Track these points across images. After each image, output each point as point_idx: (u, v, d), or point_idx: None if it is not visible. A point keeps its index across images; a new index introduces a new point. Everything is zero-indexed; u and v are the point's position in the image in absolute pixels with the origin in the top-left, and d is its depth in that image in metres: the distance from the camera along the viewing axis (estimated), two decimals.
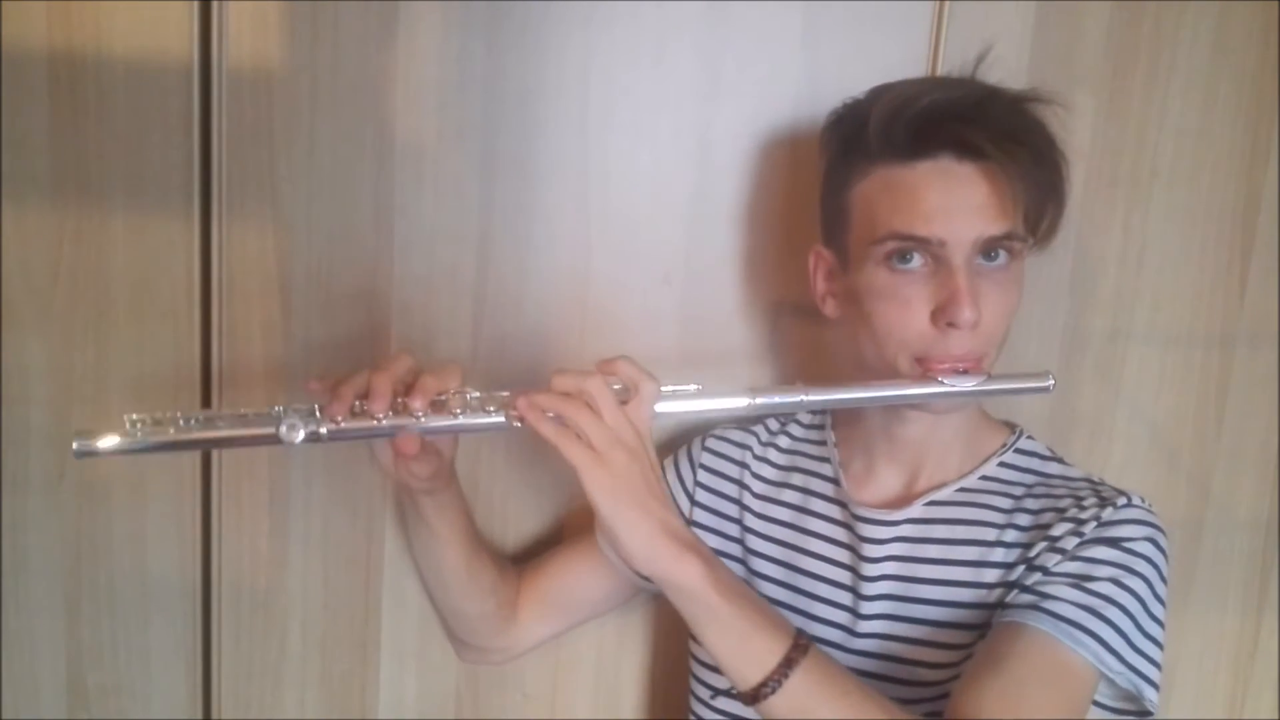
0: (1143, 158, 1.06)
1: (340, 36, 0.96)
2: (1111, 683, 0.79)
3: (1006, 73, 0.99)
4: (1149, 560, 0.80)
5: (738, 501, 0.98)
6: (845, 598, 0.89)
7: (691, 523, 0.99)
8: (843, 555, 0.90)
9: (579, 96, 1.00)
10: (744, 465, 0.99)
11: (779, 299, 1.06)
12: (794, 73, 1.01)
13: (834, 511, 0.93)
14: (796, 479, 0.96)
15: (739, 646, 0.74)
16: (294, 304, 1.01)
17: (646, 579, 0.77)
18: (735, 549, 0.97)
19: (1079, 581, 0.78)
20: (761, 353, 1.07)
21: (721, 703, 0.94)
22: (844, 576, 0.90)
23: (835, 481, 0.94)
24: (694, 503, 1.00)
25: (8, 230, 0.97)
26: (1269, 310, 1.10)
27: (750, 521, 0.96)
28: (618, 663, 1.12)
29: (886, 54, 1.01)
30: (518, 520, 1.09)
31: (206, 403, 1.02)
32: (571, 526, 1.09)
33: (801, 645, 0.74)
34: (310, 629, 1.08)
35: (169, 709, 1.08)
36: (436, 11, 0.97)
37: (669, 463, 1.03)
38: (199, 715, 1.08)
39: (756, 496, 0.97)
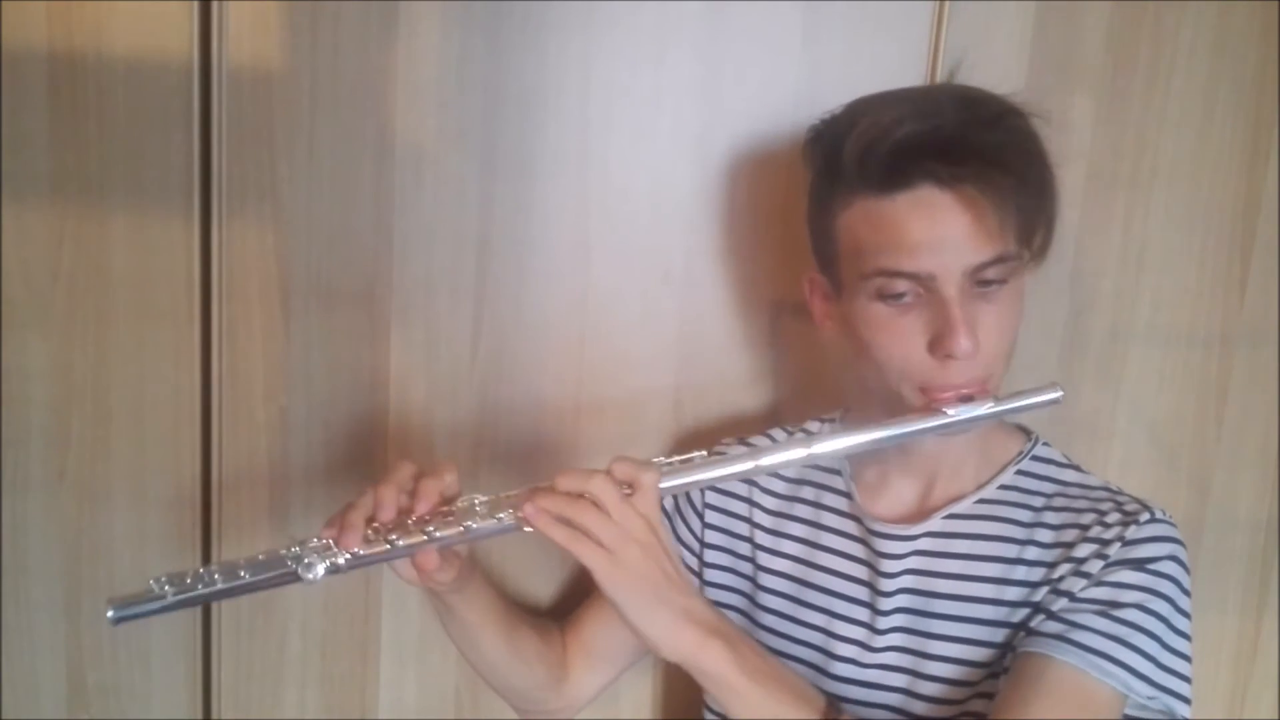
0: (1143, 158, 1.06)
1: (340, 36, 0.96)
2: (1139, 702, 0.78)
3: (1006, 73, 1.00)
4: (1172, 579, 0.79)
5: (748, 519, 0.96)
6: (862, 613, 0.88)
7: (703, 544, 0.98)
8: (859, 571, 0.89)
9: (579, 96, 1.00)
10: (753, 484, 0.97)
11: (779, 298, 1.06)
12: (794, 73, 1.01)
13: (848, 526, 0.91)
14: (807, 493, 0.95)
15: None
16: (294, 304, 1.01)
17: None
18: (746, 567, 0.96)
19: (1106, 609, 0.78)
20: (762, 352, 1.07)
21: None
22: (860, 592, 0.89)
23: (848, 495, 0.92)
24: (705, 524, 0.98)
25: (8, 230, 0.97)
26: (1269, 310, 1.10)
27: (761, 539, 0.95)
28: None
29: (886, 54, 1.01)
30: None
31: (206, 403, 1.02)
32: None
33: (832, 719, 0.75)
34: (310, 629, 1.08)
35: (169, 709, 1.08)
36: (436, 11, 0.97)
37: None
38: (199, 715, 1.08)
39: (767, 513, 0.96)
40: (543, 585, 1.10)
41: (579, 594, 1.07)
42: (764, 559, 0.95)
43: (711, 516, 0.98)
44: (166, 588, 0.76)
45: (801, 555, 0.93)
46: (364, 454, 1.04)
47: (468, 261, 1.02)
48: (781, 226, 1.04)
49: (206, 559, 1.05)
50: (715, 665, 0.75)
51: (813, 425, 0.99)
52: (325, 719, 1.10)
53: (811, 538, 0.93)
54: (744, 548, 0.96)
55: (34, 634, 1.05)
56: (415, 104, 0.98)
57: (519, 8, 0.97)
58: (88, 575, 1.04)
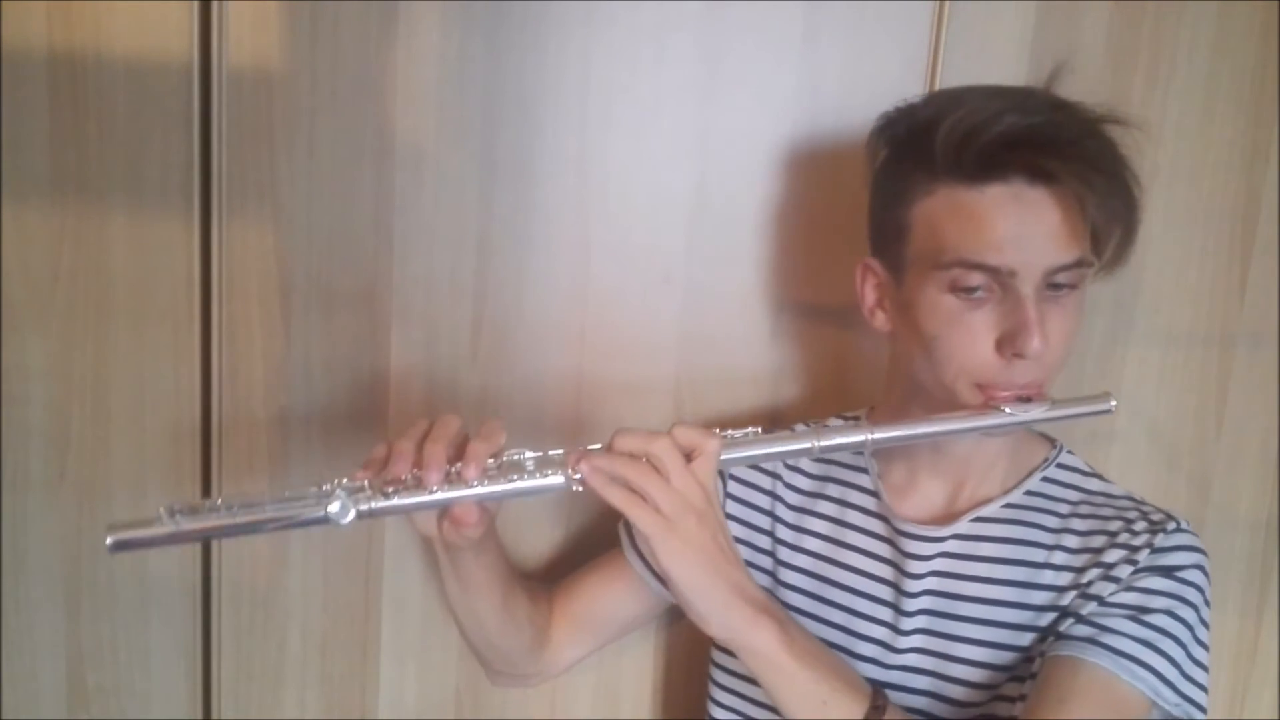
0: (1143, 158, 1.06)
1: (340, 36, 0.96)
2: (1164, 709, 0.79)
3: (1006, 73, 1.00)
4: (1198, 588, 0.80)
5: (770, 513, 0.96)
6: (885, 614, 0.88)
7: None
8: (884, 571, 0.89)
9: (579, 96, 1.00)
10: (776, 476, 0.97)
11: (780, 298, 1.06)
12: (794, 73, 1.01)
13: (875, 526, 0.91)
14: (832, 490, 0.94)
15: (817, 711, 0.74)
16: (294, 304, 1.01)
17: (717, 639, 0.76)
18: (766, 561, 0.95)
19: (1136, 614, 0.78)
20: (762, 352, 1.07)
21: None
22: (885, 592, 0.89)
23: (875, 494, 0.92)
24: (725, 514, 0.96)
25: (8, 230, 0.97)
26: (1269, 310, 1.10)
27: (783, 534, 0.95)
28: (619, 662, 1.12)
29: (886, 54, 1.01)
30: (538, 531, 1.09)
31: (206, 402, 1.02)
32: (593, 536, 1.08)
33: (879, 705, 0.74)
34: (310, 629, 1.08)
35: (169, 709, 1.08)
36: (436, 11, 0.97)
37: None
38: (199, 715, 1.08)
39: (790, 508, 0.95)
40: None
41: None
42: (785, 554, 0.94)
43: (733, 507, 0.97)
44: (178, 517, 0.70)
45: (824, 552, 0.92)
46: (364, 454, 1.03)
47: (468, 261, 1.02)
48: (782, 225, 1.04)
49: (207, 558, 1.05)
50: (765, 644, 0.73)
51: (834, 423, 0.99)
52: (325, 719, 1.10)
53: (835, 535, 0.92)
54: (764, 541, 0.96)
55: (34, 634, 1.05)
56: (415, 104, 0.98)
57: (519, 8, 0.97)
58: (88, 575, 1.04)
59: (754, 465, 0.97)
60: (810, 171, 1.01)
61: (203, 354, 1.01)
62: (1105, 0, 1.03)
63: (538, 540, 1.09)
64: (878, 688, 0.78)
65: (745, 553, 0.96)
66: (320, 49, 0.96)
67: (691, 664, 1.10)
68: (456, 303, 1.03)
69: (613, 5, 0.98)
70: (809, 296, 1.01)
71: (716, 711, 0.96)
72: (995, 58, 1.01)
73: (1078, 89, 1.03)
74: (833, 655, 0.79)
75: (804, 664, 0.74)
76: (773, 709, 0.77)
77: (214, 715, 1.09)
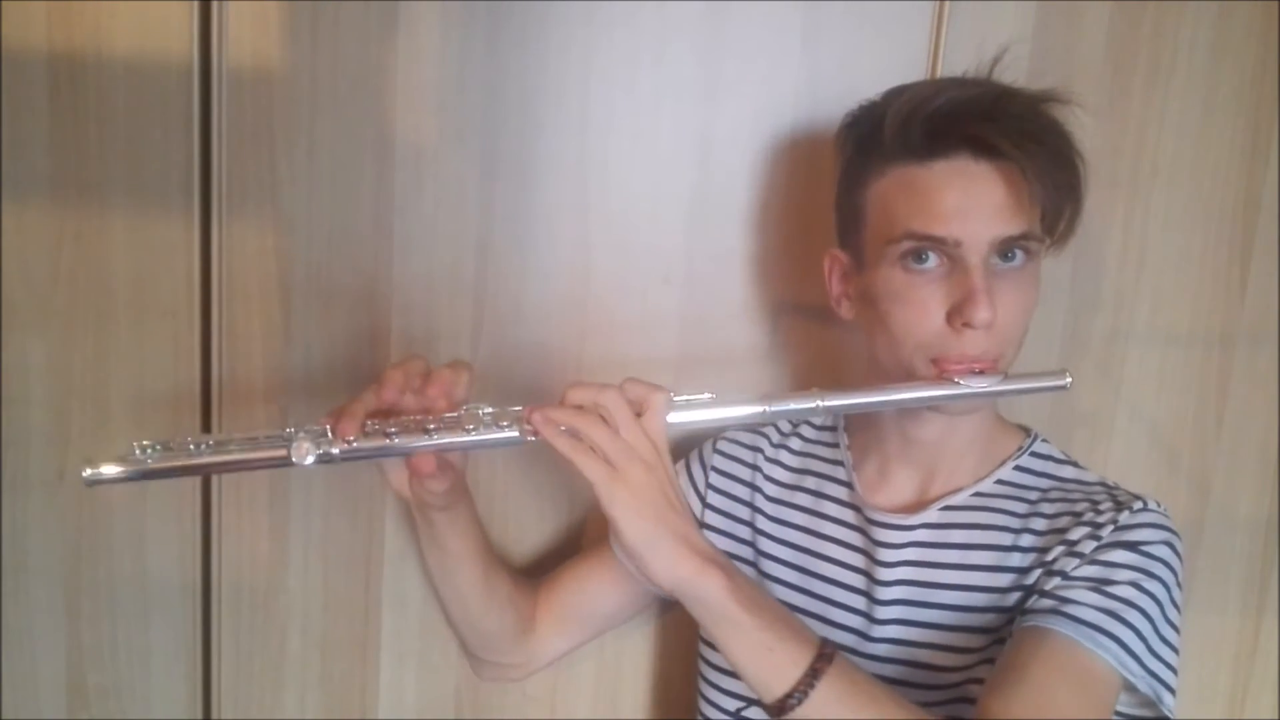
0: (1143, 158, 1.06)
1: (340, 36, 0.96)
2: (1131, 688, 0.78)
3: (1006, 73, 0.99)
4: (1166, 564, 0.80)
5: (749, 504, 0.97)
6: (860, 601, 0.89)
7: (703, 525, 0.98)
8: (857, 559, 0.90)
9: (579, 96, 1.00)
10: (756, 468, 0.98)
11: (780, 298, 1.06)
12: (794, 73, 1.01)
13: (848, 515, 0.92)
14: (809, 482, 0.96)
15: (763, 658, 0.73)
16: (294, 304, 1.01)
17: (663, 591, 0.76)
18: (747, 551, 0.96)
19: (1099, 585, 0.78)
20: (762, 352, 1.07)
21: (752, 711, 0.93)
22: (858, 580, 0.89)
23: (849, 485, 0.93)
24: (706, 505, 0.99)
25: (8, 230, 0.97)
26: (1269, 310, 1.10)
27: (762, 524, 0.96)
28: (618, 662, 1.12)
29: (886, 54, 1.01)
30: (528, 529, 1.09)
31: (206, 403, 1.02)
32: (584, 534, 1.09)
33: (826, 654, 0.73)
34: (310, 629, 1.08)
35: (169, 709, 1.08)
36: (436, 11, 0.97)
37: (680, 466, 1.02)
38: (199, 715, 1.08)
39: (769, 499, 0.96)
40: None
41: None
42: (765, 545, 0.95)
43: (714, 499, 0.99)
44: (150, 452, 0.75)
45: (802, 543, 0.93)
46: None
47: (468, 261, 1.02)
48: (782, 225, 1.04)
49: (207, 559, 1.05)
50: (713, 593, 0.73)
51: (816, 418, 0.99)
52: (325, 719, 1.10)
53: (812, 526, 0.93)
54: (745, 531, 0.97)
55: (34, 634, 1.05)
56: (415, 104, 0.98)
57: (519, 8, 0.97)
58: (88, 575, 1.04)
59: (734, 456, 0.99)
60: (810, 172, 1.01)
61: (203, 354, 1.01)
62: (1105, 0, 1.03)
63: (533, 535, 1.09)
64: (827, 639, 0.77)
65: (727, 544, 0.97)
66: (320, 49, 0.96)
67: (690, 665, 1.10)
68: (456, 303, 1.03)
69: (613, 5, 0.98)
70: (809, 297, 1.01)
71: (707, 709, 0.97)
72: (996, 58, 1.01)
73: (1079, 89, 1.03)
74: (782, 608, 0.79)
75: (749, 611, 0.73)
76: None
77: (214, 715, 1.09)
